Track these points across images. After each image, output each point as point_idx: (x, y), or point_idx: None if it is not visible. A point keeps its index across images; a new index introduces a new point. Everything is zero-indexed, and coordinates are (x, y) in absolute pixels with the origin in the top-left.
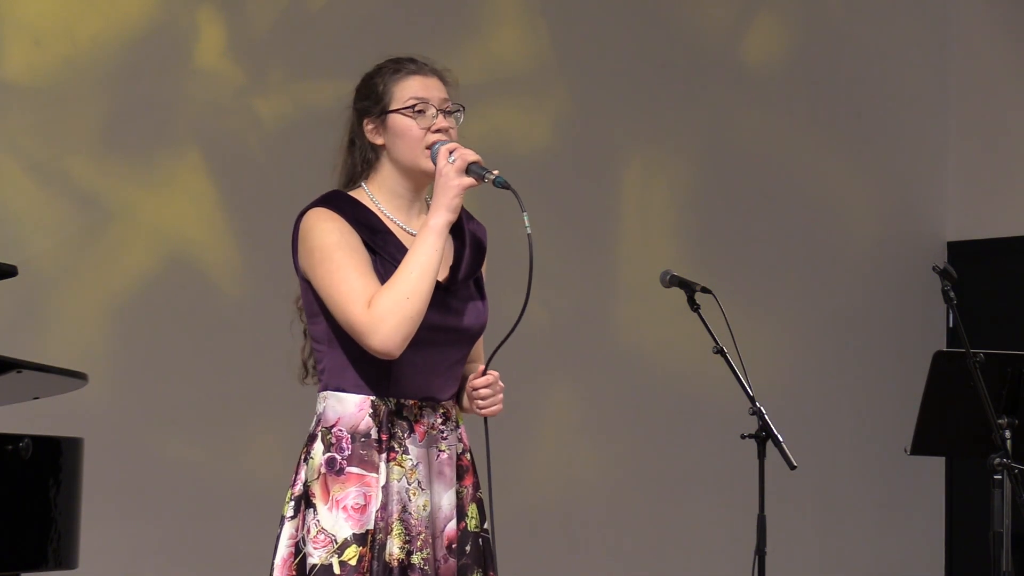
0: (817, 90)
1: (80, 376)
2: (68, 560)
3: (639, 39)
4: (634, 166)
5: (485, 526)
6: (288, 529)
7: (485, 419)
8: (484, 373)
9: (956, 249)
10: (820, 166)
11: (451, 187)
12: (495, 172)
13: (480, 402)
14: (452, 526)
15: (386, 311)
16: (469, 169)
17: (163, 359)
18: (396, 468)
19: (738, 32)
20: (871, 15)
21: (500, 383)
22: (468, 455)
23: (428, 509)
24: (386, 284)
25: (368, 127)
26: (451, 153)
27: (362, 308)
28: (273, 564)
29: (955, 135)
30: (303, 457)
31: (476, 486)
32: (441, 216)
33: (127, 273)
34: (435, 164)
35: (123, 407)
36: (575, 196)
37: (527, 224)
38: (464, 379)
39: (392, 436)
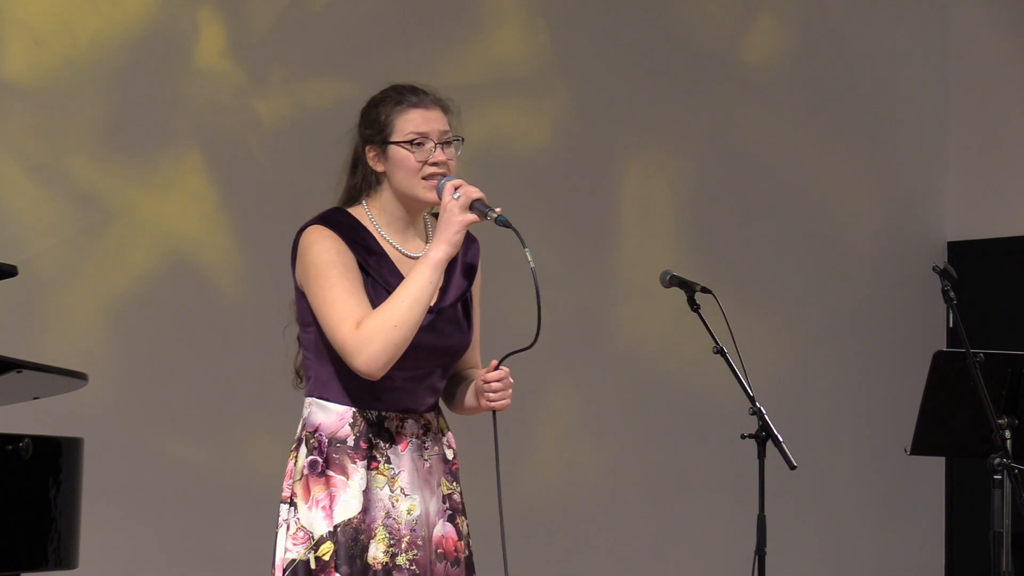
0: (817, 90)
1: (80, 376)
2: (68, 560)
3: (639, 39)
4: (634, 166)
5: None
6: (282, 531)
7: (494, 414)
8: (497, 368)
9: (956, 249)
10: (820, 166)
11: (454, 223)
12: (498, 210)
13: (491, 395)
14: (439, 530)
15: (372, 335)
16: (472, 206)
17: (163, 359)
18: (379, 477)
19: (738, 32)
20: (871, 15)
21: (510, 379)
22: (457, 460)
23: (414, 513)
24: (378, 308)
25: (370, 154)
26: (456, 189)
27: (350, 328)
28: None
29: (955, 135)
30: (292, 461)
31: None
32: (441, 250)
33: (127, 273)
34: (439, 198)
35: (123, 407)
36: (575, 196)
37: (530, 259)
38: (453, 383)
39: (373, 446)
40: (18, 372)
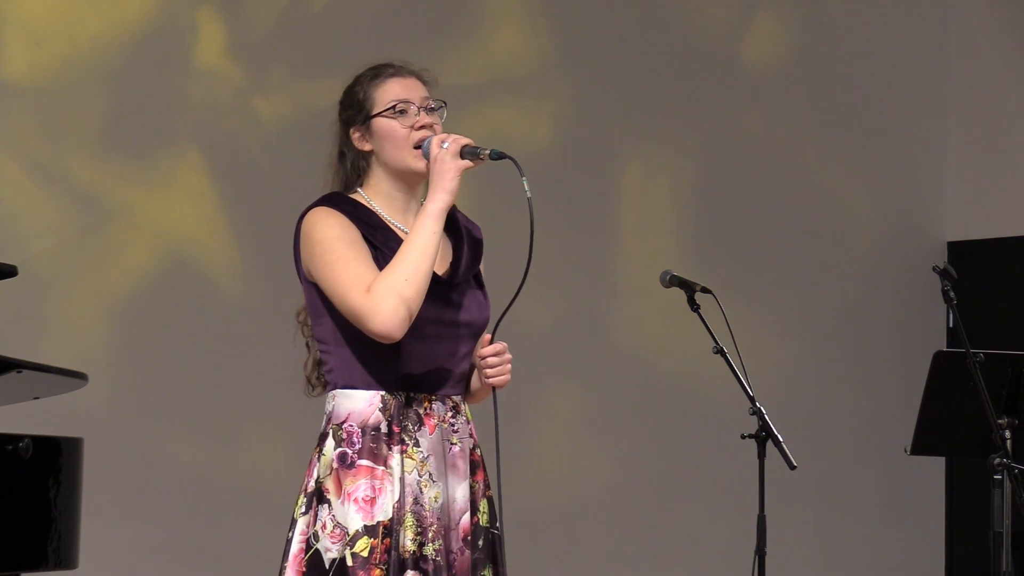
0: (817, 90)
1: (80, 376)
2: (68, 560)
3: (639, 39)
4: (634, 166)
5: (496, 526)
6: (300, 525)
7: (494, 394)
8: (491, 342)
9: (956, 249)
10: (820, 166)
11: (448, 170)
12: (489, 149)
13: (489, 371)
14: (467, 518)
15: (384, 293)
16: (463, 152)
17: (163, 359)
18: (408, 461)
19: (738, 32)
20: (871, 15)
21: (508, 354)
22: (479, 451)
23: (439, 501)
24: (385, 268)
25: (355, 135)
26: (443, 141)
27: (361, 292)
28: (283, 560)
29: (955, 135)
30: (316, 455)
31: (487, 483)
32: (439, 199)
33: (127, 273)
34: (427, 158)
35: (123, 407)
36: (575, 196)
37: (527, 188)
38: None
39: (403, 429)
40: (18, 372)
